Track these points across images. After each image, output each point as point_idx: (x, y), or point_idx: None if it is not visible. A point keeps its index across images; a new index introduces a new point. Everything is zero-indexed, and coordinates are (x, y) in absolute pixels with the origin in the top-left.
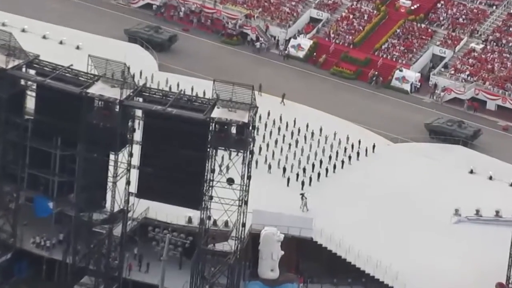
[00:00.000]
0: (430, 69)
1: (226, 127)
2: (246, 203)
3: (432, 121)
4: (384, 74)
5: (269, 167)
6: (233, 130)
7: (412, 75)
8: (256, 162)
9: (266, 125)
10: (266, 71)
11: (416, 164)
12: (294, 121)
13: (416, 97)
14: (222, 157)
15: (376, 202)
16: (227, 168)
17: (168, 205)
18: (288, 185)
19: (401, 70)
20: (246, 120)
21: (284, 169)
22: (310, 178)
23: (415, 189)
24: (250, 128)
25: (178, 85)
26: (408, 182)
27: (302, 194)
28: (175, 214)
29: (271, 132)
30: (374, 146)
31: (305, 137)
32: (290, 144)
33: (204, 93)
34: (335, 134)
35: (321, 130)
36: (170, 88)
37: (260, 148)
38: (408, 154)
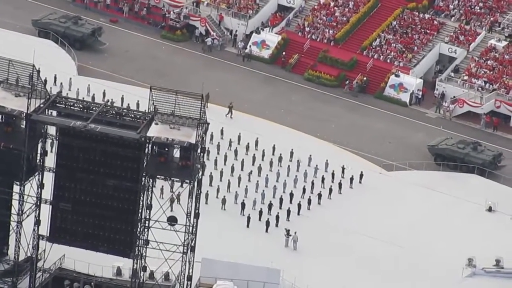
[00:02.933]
0: (436, 73)
1: (166, 149)
2: (192, 249)
3: (438, 142)
4: (375, 80)
5: (223, 202)
6: (176, 153)
7: (412, 82)
8: (206, 195)
9: (218, 147)
10: (220, 75)
11: (417, 199)
12: (256, 142)
13: (417, 110)
14: (162, 189)
15: (364, 250)
16: (170, 202)
17: (90, 252)
18: (248, 225)
19: (397, 75)
20: (193, 141)
21: (243, 205)
22: (277, 217)
23: (415, 232)
24: (199, 151)
25: (103, 93)
26: (406, 223)
27: (287, 232)
28: (100, 264)
29: (225, 157)
30: (361, 175)
31: (270, 163)
32: (251, 172)
33: (137, 104)
34: (310, 159)
35: (291, 153)
36: (93, 97)
37: (212, 177)
38: (406, 185)
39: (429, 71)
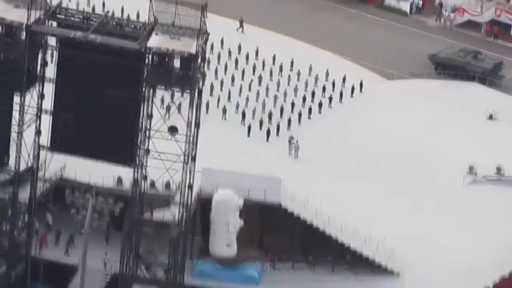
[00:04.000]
0: None
1: (167, 59)
2: (193, 159)
3: (439, 51)
4: None
5: (224, 111)
6: (177, 63)
7: None
8: (207, 105)
9: (219, 56)
10: None
11: (418, 107)
12: (256, 52)
13: (417, 19)
14: (162, 99)
15: (365, 157)
16: (169, 112)
17: (91, 162)
18: (248, 135)
19: None
20: (193, 51)
21: (244, 114)
22: (278, 126)
23: (415, 140)
24: (199, 60)
25: (103, 4)
26: (406, 131)
27: (291, 138)
28: (100, 173)
29: (226, 66)
30: (361, 84)
31: (270, 72)
32: (251, 82)
33: (137, 14)
34: (310, 68)
35: (292, 63)
36: (93, 8)
37: (212, 87)
38: (407, 94)
39: None
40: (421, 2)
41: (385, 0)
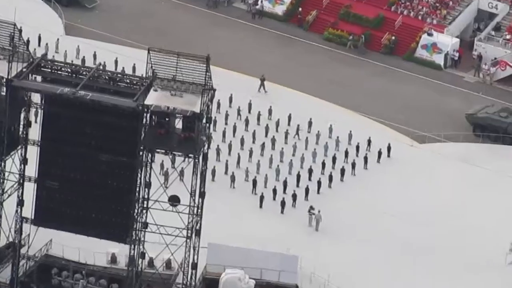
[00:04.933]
0: (474, 32)
1: (167, 119)
2: (198, 233)
3: (477, 110)
4: (405, 40)
5: (232, 179)
6: (178, 124)
7: (447, 41)
8: (213, 171)
9: (227, 116)
10: (227, 35)
11: (453, 174)
12: (269, 111)
13: (453, 74)
14: (162, 164)
15: (394, 232)
16: (169, 179)
17: (81, 237)
18: (261, 206)
19: (430, 34)
20: (197, 109)
21: (255, 183)
22: (294, 196)
23: (450, 212)
24: (204, 121)
25: (95, 56)
26: (440, 202)
27: (311, 208)
28: (92, 250)
29: (234, 128)
30: (389, 148)
31: (286, 134)
32: (263, 145)
33: (134, 68)
34: (330, 129)
35: (310, 123)
36: (83, 60)
37: (219, 151)
38: (441, 159)
39: (466, 29)
40: (457, 54)
41: (416, 51)
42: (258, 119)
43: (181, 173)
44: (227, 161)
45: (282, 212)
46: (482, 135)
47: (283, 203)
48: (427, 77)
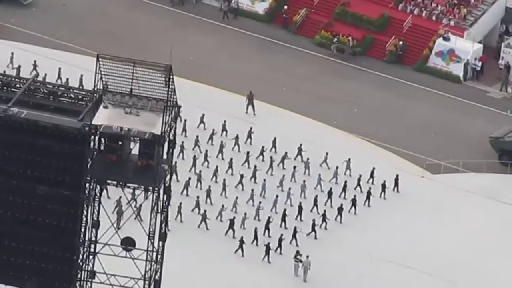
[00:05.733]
0: (501, 36)
1: (120, 143)
2: (157, 285)
3: (504, 133)
4: (416, 46)
5: (204, 218)
6: (134, 149)
7: (467, 47)
8: (179, 208)
9: (196, 140)
10: (196, 39)
11: (475, 213)
12: (249, 134)
13: (474, 88)
14: (114, 199)
15: (401, 284)
16: (122, 218)
17: None
18: (241, 252)
19: (447, 38)
20: (157, 131)
21: (232, 223)
22: (280, 241)
23: (473, 263)
24: (166, 145)
25: (34, 65)
26: (459, 249)
27: (297, 254)
28: None
29: (206, 154)
30: (397, 180)
31: (270, 162)
32: (241, 176)
33: (81, 79)
34: (325, 157)
35: (299, 150)
36: (18, 70)
37: (187, 184)
38: (459, 194)
39: (491, 33)
40: (479, 64)
41: (429, 60)
42: (236, 143)
43: (138, 211)
44: (197, 196)
45: (263, 259)
46: (511, 163)
47: (267, 249)
48: (443, 92)
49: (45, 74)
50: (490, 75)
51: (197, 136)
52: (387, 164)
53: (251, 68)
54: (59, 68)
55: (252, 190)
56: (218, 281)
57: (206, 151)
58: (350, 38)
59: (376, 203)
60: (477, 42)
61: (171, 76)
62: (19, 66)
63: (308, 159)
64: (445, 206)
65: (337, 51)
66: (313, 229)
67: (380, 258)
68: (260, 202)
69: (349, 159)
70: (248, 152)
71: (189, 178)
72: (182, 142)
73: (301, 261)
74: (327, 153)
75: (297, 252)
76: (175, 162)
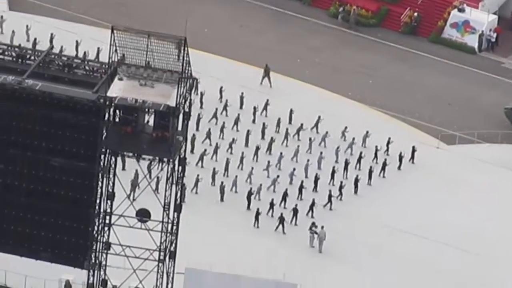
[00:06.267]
0: None
1: (135, 115)
2: (172, 255)
3: None
4: (430, 18)
5: (221, 190)
6: (149, 120)
7: (482, 18)
8: (196, 181)
9: (213, 112)
10: (209, 10)
11: (490, 183)
12: (265, 106)
13: (489, 59)
14: (136, 173)
15: (417, 257)
16: (137, 189)
17: (28, 261)
18: (256, 224)
19: (461, 10)
20: (172, 103)
21: (250, 194)
22: (295, 211)
23: (487, 231)
24: (181, 117)
25: (51, 38)
26: (474, 219)
27: (312, 225)
28: (42, 277)
29: (222, 126)
30: (413, 151)
31: (286, 134)
32: (257, 148)
33: (98, 52)
34: (342, 129)
35: (317, 122)
36: (34, 43)
37: (202, 155)
38: (474, 165)
39: (506, 4)
40: (494, 35)
41: (443, 31)
42: (253, 114)
43: (155, 183)
44: (213, 168)
45: (277, 230)
46: None
47: (281, 220)
48: (458, 63)
49: (62, 46)
50: (505, 46)
51: (216, 109)
52: (402, 135)
53: (265, 40)
54: (77, 40)
55: (268, 162)
56: (233, 253)
57: (222, 122)
58: (355, 7)
59: (391, 174)
60: (492, 13)
61: (185, 48)
62: (35, 39)
63: (326, 132)
64: (460, 177)
65: (343, 20)
66: (330, 200)
67: (395, 228)
68: (276, 175)
69: (367, 132)
70: (264, 124)
71: (205, 150)
72: (200, 113)
73: (316, 233)
74: (345, 126)
75: (313, 223)
76: (193, 134)
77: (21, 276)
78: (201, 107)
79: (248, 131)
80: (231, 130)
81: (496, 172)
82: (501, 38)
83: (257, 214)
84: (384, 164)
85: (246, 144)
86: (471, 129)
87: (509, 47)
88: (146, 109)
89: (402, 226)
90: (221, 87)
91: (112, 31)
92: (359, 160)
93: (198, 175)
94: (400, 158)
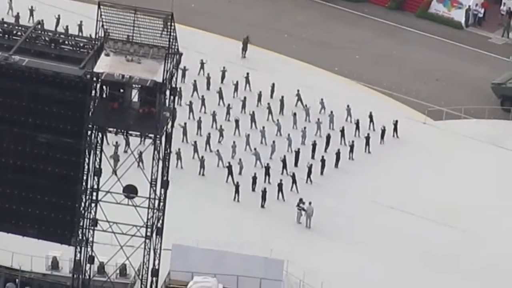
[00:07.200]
0: None
1: (122, 90)
2: (159, 232)
3: (506, 79)
4: None
5: (202, 164)
6: (135, 96)
7: None
8: (179, 155)
9: (195, 87)
10: None
11: (477, 159)
12: (247, 80)
13: (476, 34)
14: (115, 146)
15: (402, 233)
16: (115, 162)
17: (14, 237)
18: (237, 198)
19: None
20: (159, 78)
21: (230, 169)
22: (280, 186)
23: (474, 207)
24: (168, 93)
25: (31, 11)
26: (461, 195)
27: (300, 202)
28: (28, 253)
29: (203, 101)
30: (396, 125)
31: (268, 109)
32: (237, 122)
33: (80, 26)
34: (322, 103)
35: (298, 96)
36: (17, 17)
37: (186, 130)
38: (461, 140)
39: None
40: (481, 10)
41: (430, 6)
42: (234, 90)
43: (139, 158)
44: (195, 142)
45: (263, 205)
46: None
47: (264, 195)
48: (444, 38)
49: (42, 20)
50: (492, 21)
51: (195, 82)
52: (388, 110)
53: (252, 15)
54: (58, 15)
55: (249, 135)
56: (220, 229)
57: (203, 97)
58: None
59: (375, 149)
60: None
61: (172, 24)
62: (18, 14)
63: (307, 105)
64: (447, 152)
65: None
66: (309, 175)
67: (381, 204)
68: (257, 148)
69: (348, 106)
70: (244, 98)
71: (185, 123)
72: (180, 88)
73: (304, 209)
74: (322, 99)
75: (300, 200)
76: (175, 109)
77: (8, 253)
78: (182, 81)
79: (229, 105)
80: (215, 105)
81: (483, 148)
82: (488, 13)
83: (237, 188)
84: (368, 139)
85: (228, 119)
86: (458, 105)
87: (496, 22)
88: (133, 85)
89: (388, 201)
90: (201, 61)
91: (99, 7)
92: (341, 134)
93: (179, 149)
94: (384, 132)
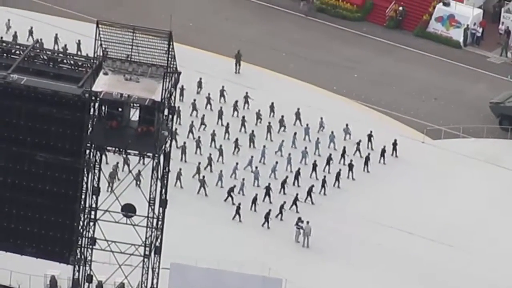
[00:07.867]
0: (500, 0)
1: (120, 109)
2: (158, 251)
3: (504, 98)
4: (415, 11)
5: (202, 184)
6: (134, 115)
7: (467, 12)
8: (178, 175)
9: (194, 106)
10: (194, 4)
11: (476, 178)
12: (246, 99)
13: (474, 53)
14: (115, 166)
15: (402, 252)
16: (111, 178)
17: (13, 256)
18: (239, 217)
19: (446, 4)
20: (157, 98)
21: (231, 190)
22: (281, 207)
23: (472, 227)
24: (166, 112)
25: (30, 31)
26: (459, 214)
27: (298, 220)
28: (27, 273)
29: (202, 119)
30: (395, 145)
31: (268, 128)
32: (236, 141)
33: (78, 45)
34: (321, 123)
35: (297, 115)
36: (14, 36)
37: (185, 149)
38: (459, 158)
39: None
40: (480, 29)
41: (429, 25)
42: (234, 109)
43: (138, 177)
44: (198, 163)
45: (263, 225)
46: (511, 128)
47: (266, 215)
48: (443, 57)
49: (41, 39)
50: (490, 40)
51: (194, 101)
52: (387, 130)
53: (250, 33)
54: (56, 34)
55: (251, 156)
56: (218, 248)
57: (203, 116)
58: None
59: (374, 169)
60: (477, 7)
61: (171, 43)
62: (16, 33)
63: (308, 125)
64: (446, 172)
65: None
66: (309, 195)
67: (381, 224)
68: (257, 168)
69: (347, 125)
70: (244, 118)
71: (184, 143)
72: (179, 107)
73: (302, 228)
74: (321, 118)
75: (299, 218)
76: (175, 129)
77: (6, 272)
78: (180, 100)
79: (227, 124)
80: (214, 124)
81: (482, 167)
82: (486, 32)
83: (238, 208)
84: (367, 159)
85: (227, 137)
86: (456, 124)
87: (494, 41)
88: (132, 104)
89: (387, 221)
90: (200, 79)
91: (97, 25)
92: (342, 154)
93: (180, 169)
94: (383, 152)
